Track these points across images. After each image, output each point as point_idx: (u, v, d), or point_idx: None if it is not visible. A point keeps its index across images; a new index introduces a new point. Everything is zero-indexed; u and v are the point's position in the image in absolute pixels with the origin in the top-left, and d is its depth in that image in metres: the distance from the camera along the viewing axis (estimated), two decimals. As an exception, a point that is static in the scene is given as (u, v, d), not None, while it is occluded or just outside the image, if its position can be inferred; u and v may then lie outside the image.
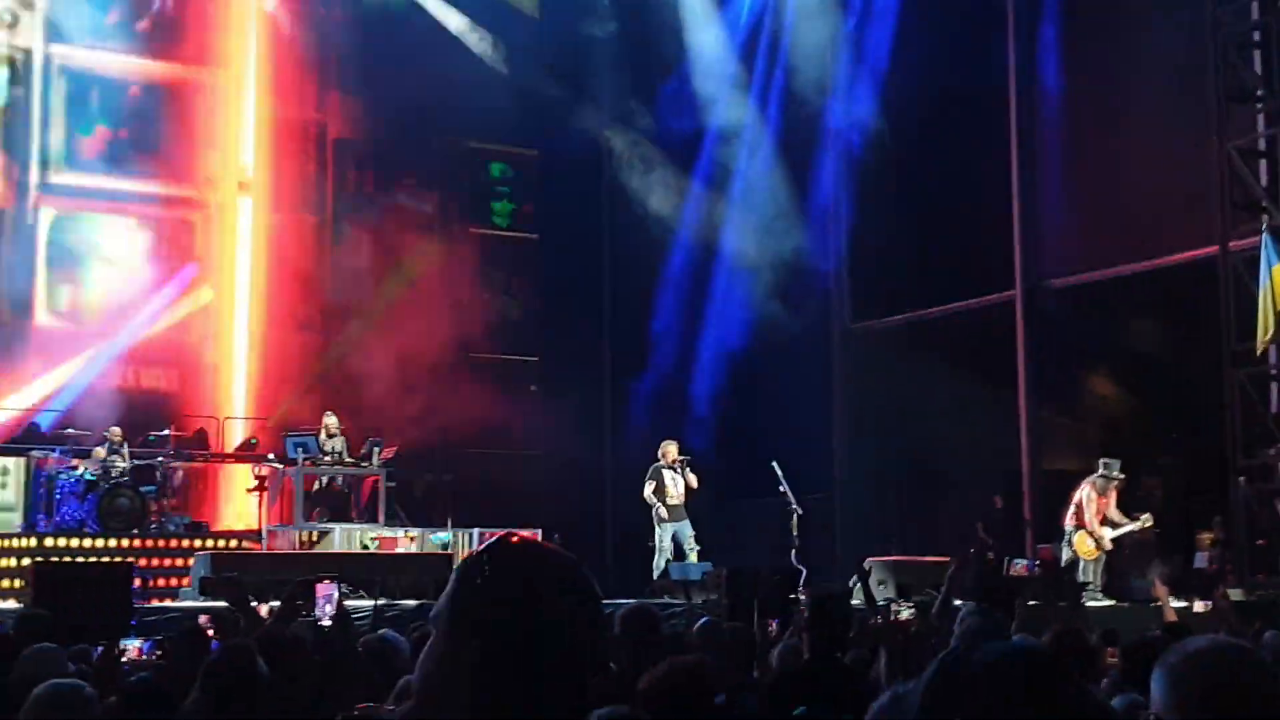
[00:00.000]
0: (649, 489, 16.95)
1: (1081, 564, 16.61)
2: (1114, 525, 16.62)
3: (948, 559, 16.57)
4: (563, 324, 23.09)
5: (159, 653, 8.27)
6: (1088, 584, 16.57)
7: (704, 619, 7.16)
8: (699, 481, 17.08)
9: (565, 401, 21.95)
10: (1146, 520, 16.66)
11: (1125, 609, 15.52)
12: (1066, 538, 16.72)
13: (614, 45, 22.93)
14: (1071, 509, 16.72)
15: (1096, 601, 16.21)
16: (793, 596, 12.88)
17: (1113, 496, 16.68)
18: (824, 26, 22.21)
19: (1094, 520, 16.41)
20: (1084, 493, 16.67)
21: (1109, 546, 16.50)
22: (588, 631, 2.18)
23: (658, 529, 16.88)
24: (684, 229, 22.74)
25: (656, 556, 16.61)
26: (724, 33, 23.29)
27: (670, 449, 17.14)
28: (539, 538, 2.26)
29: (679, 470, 16.98)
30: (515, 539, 2.24)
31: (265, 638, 5.50)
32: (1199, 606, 14.29)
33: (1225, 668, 2.68)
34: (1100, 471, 16.72)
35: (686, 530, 16.90)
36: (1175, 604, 15.05)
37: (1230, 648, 2.79)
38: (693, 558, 16.64)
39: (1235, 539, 16.95)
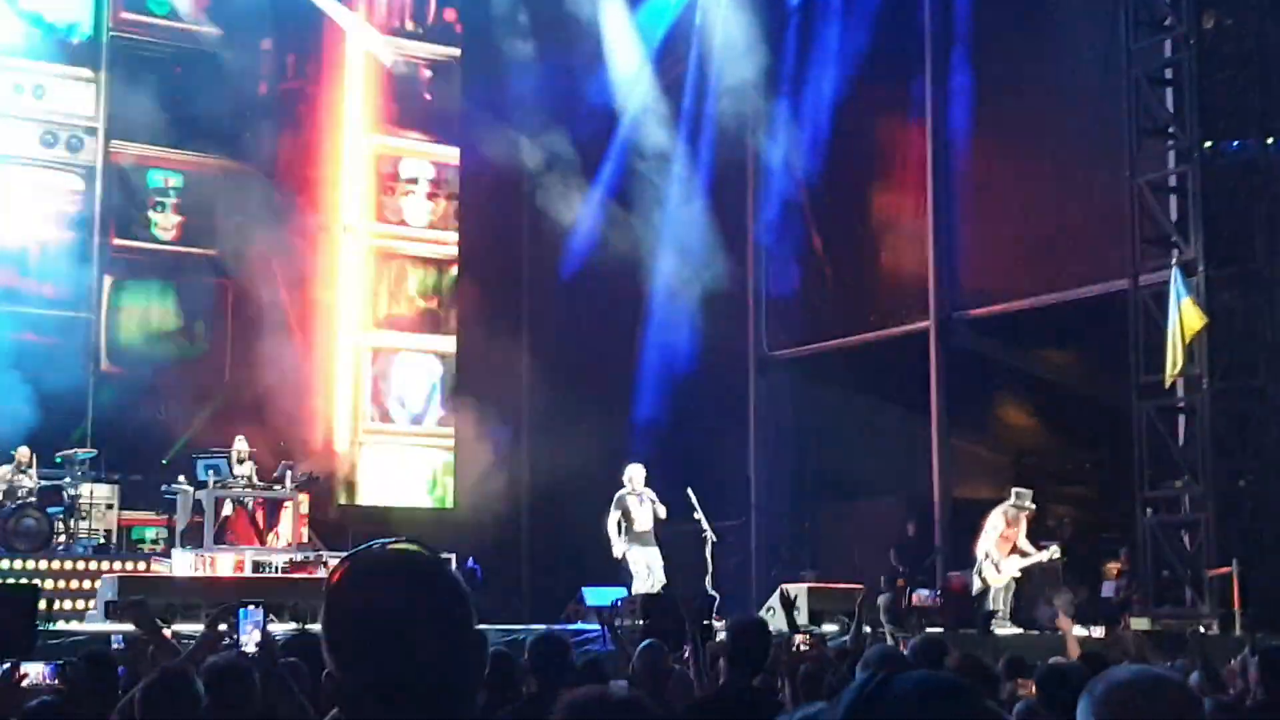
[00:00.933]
0: (613, 519, 16.53)
1: (991, 591, 16.78)
2: (1022, 554, 16.81)
3: (861, 586, 16.72)
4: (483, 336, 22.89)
5: (61, 677, 8.12)
6: (996, 612, 16.73)
7: (648, 641, 7.12)
8: (667, 515, 16.67)
9: (485, 421, 21.88)
10: (1054, 552, 16.88)
11: (1033, 637, 15.70)
12: (977, 566, 16.88)
13: (533, 65, 22.89)
14: (982, 537, 16.89)
15: (1004, 629, 16.38)
16: (707, 623, 12.91)
17: (1023, 526, 16.87)
18: (749, 62, 22.32)
19: (994, 548, 16.56)
20: (993, 522, 16.85)
21: (1005, 578, 16.64)
22: (457, 635, 2.11)
23: (629, 554, 16.50)
24: (603, 252, 22.71)
25: (634, 581, 16.35)
26: (648, 60, 23.33)
27: (637, 475, 16.76)
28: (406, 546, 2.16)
29: (646, 498, 16.65)
30: (372, 548, 2.16)
31: (208, 665, 5.39)
32: (1100, 634, 14.47)
33: (1150, 698, 2.71)
34: (1012, 500, 16.92)
35: (656, 557, 16.57)
36: (1080, 632, 15.25)
37: (1154, 678, 2.82)
38: (655, 584, 16.37)
39: (1141, 570, 17.16)
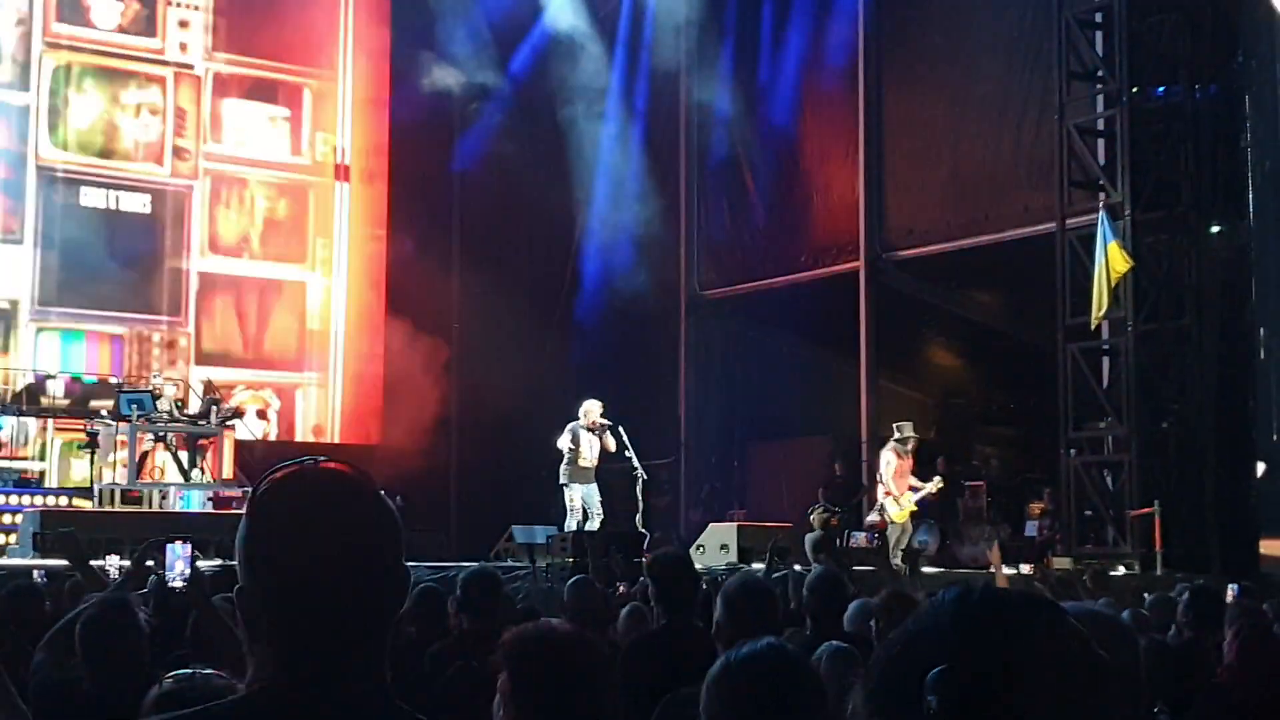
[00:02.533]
0: (564, 441, 16.32)
1: (891, 528, 16.84)
2: (914, 489, 16.89)
3: (789, 525, 16.85)
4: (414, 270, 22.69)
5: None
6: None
7: (577, 577, 7.10)
8: (616, 447, 16.63)
9: (416, 353, 21.74)
10: (938, 482, 16.94)
11: (957, 575, 15.85)
12: (878, 505, 16.97)
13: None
14: (881, 476, 16.95)
15: (928, 568, 16.56)
16: (637, 560, 12.95)
17: (909, 460, 16.91)
18: (686, 4, 22.19)
19: (892, 482, 16.64)
20: (886, 459, 16.92)
21: (905, 513, 16.74)
22: (377, 557, 2.03)
23: (566, 489, 16.44)
24: (536, 189, 22.55)
25: (568, 517, 16.29)
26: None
27: (594, 410, 16.50)
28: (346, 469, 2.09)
29: (598, 433, 16.54)
30: (297, 466, 2.09)
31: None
32: (1027, 572, 14.65)
33: (1094, 632, 2.73)
34: (895, 436, 16.97)
35: (594, 494, 16.46)
36: (1006, 571, 15.42)
37: (1093, 614, 2.84)
38: (595, 523, 16.32)
39: (1064, 510, 17.39)
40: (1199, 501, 16.50)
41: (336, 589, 1.99)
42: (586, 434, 16.31)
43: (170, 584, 6.52)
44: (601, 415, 16.44)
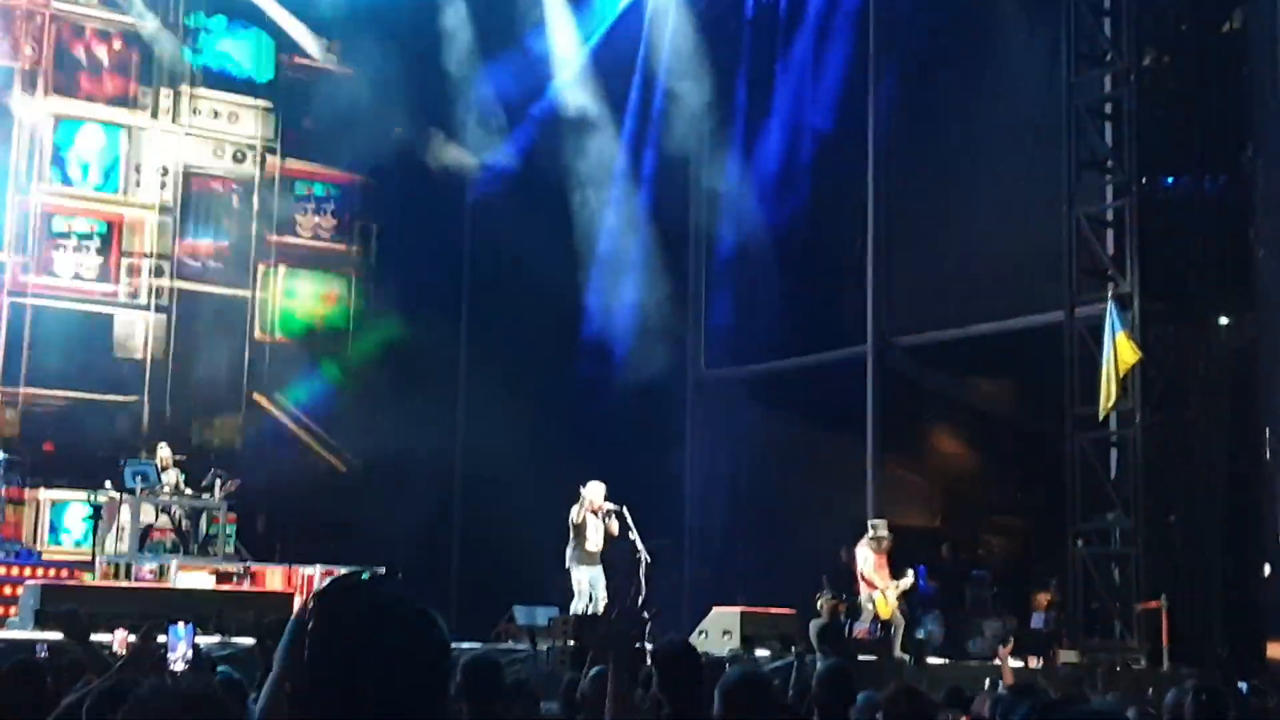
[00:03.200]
0: (574, 514, 16.12)
1: (880, 624, 16.66)
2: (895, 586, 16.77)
3: (792, 611, 16.72)
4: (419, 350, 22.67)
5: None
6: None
7: (598, 669, 6.99)
8: (620, 529, 16.51)
9: (417, 441, 21.70)
10: (910, 577, 16.70)
11: (964, 667, 15.69)
12: (867, 597, 16.79)
13: (474, 79, 22.75)
14: (858, 577, 16.76)
15: (935, 659, 16.40)
16: (639, 646, 12.81)
17: (884, 556, 16.76)
18: (697, 87, 22.35)
19: (874, 576, 16.46)
20: (863, 555, 16.73)
21: (893, 607, 16.59)
22: (428, 680, 2.13)
23: (573, 571, 16.34)
24: (544, 264, 22.59)
25: (575, 600, 16.18)
26: (594, 77, 23.25)
27: (596, 494, 16.35)
28: (378, 576, 2.18)
29: (602, 516, 16.45)
30: (348, 583, 2.16)
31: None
32: (1034, 665, 14.52)
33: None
34: (870, 534, 16.86)
35: (600, 578, 16.38)
36: (1013, 663, 15.27)
37: (1094, 714, 2.82)
38: (598, 605, 16.18)
39: (1070, 601, 17.25)
40: (1206, 597, 16.37)
41: (394, 707, 2.09)
42: (592, 518, 16.22)
43: (172, 666, 6.45)
44: (605, 498, 16.35)
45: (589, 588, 16.10)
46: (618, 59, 23.32)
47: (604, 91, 22.98)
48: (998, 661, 11.71)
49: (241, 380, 22.07)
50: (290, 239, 22.95)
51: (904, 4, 20.86)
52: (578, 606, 15.84)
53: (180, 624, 6.13)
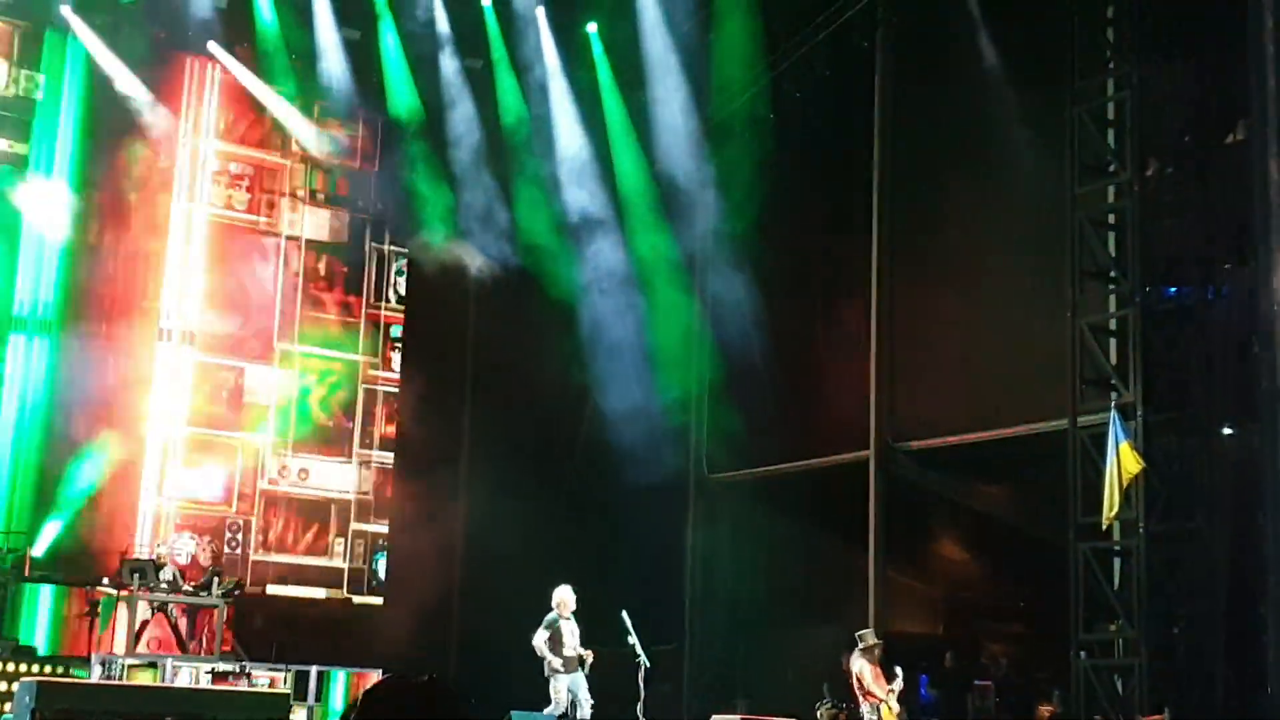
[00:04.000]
0: (542, 638, 16.24)
1: None
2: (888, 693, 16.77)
3: (794, 718, 16.58)
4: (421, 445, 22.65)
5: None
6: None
7: None
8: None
9: (421, 525, 21.67)
10: (900, 680, 16.71)
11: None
12: (874, 708, 16.72)
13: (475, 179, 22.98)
14: (855, 689, 16.73)
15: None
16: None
17: (877, 666, 16.77)
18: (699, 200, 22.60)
19: (874, 687, 16.47)
20: (858, 668, 16.71)
21: (899, 710, 16.56)
22: None
23: (552, 681, 16.25)
24: (544, 364, 22.65)
25: (552, 708, 16.06)
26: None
27: (568, 599, 16.46)
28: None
29: (572, 625, 16.42)
30: (391, 685, 2.18)
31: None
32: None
33: None
34: (860, 646, 16.82)
35: (581, 683, 16.28)
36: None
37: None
38: (585, 710, 16.10)
39: (1073, 713, 17.08)
40: (1210, 710, 16.20)
41: None
42: (566, 623, 16.22)
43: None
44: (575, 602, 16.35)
45: (565, 697, 16.00)
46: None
47: (609, 194, 23.19)
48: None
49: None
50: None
51: (907, 107, 21.03)
52: (552, 714, 15.73)
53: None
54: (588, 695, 16.18)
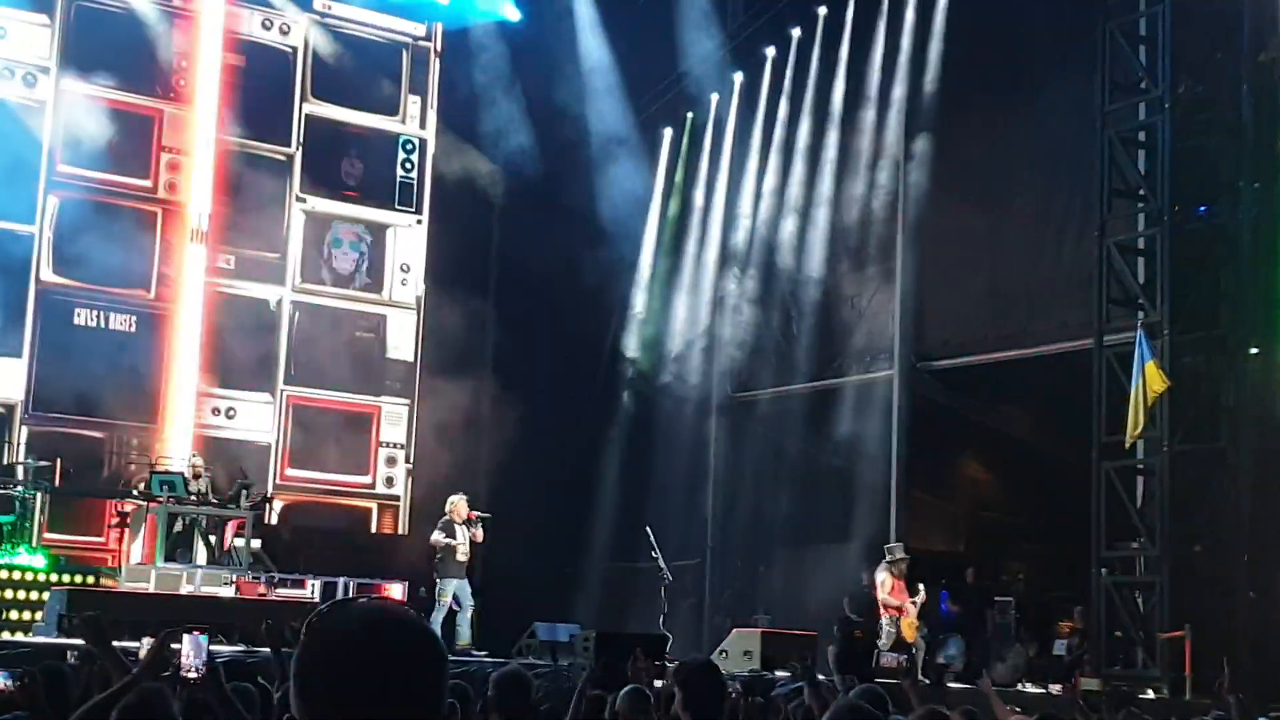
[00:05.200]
0: (439, 536, 16.71)
1: (915, 644, 16.76)
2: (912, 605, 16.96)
3: (814, 633, 16.71)
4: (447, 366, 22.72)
5: (20, 686, 8.00)
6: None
7: (631, 687, 7.00)
8: (483, 536, 16.86)
9: (443, 446, 21.76)
10: (922, 594, 16.91)
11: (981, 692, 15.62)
12: (890, 621, 16.87)
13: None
14: (882, 597, 16.93)
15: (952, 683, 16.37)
16: (659, 663, 12.84)
17: (902, 581, 16.96)
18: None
19: (891, 599, 16.70)
20: (881, 578, 16.91)
21: (914, 631, 16.77)
22: (427, 694, 2.13)
23: (439, 582, 16.63)
24: (572, 283, 22.68)
25: (435, 610, 16.35)
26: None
27: (461, 506, 16.96)
28: (398, 592, 2.23)
29: (470, 525, 16.77)
30: (357, 598, 2.20)
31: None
32: (1055, 690, 14.48)
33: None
34: (887, 558, 17.02)
35: (466, 588, 16.69)
36: (1033, 690, 15.27)
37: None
38: (468, 614, 16.49)
39: (1093, 629, 17.18)
40: (1230, 627, 16.27)
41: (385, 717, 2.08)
42: (460, 528, 16.56)
43: (185, 674, 6.47)
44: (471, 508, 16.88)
45: (450, 599, 16.35)
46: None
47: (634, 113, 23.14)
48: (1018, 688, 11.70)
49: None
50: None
51: (936, 27, 20.86)
52: (438, 617, 16.03)
53: (195, 632, 6.14)
54: (471, 599, 16.57)
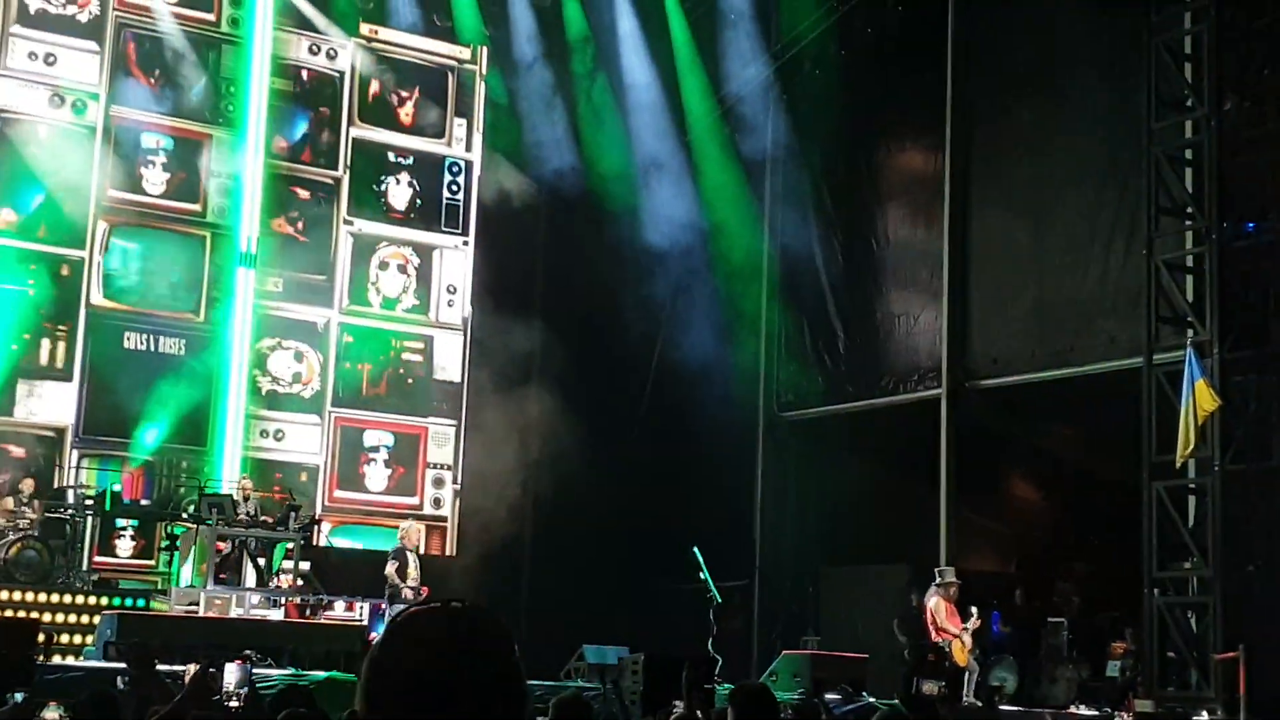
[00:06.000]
0: (391, 568, 16.89)
1: (968, 669, 16.69)
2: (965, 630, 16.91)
3: (865, 655, 16.63)
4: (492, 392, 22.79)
5: (71, 715, 8.07)
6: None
7: (679, 713, 7.02)
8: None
9: (492, 467, 21.81)
10: (975, 619, 16.87)
11: (1036, 715, 15.55)
12: (946, 644, 16.78)
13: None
14: (929, 625, 16.86)
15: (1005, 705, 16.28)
16: (708, 687, 12.80)
17: (953, 604, 16.91)
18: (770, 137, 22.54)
19: (948, 624, 16.66)
20: (933, 603, 16.83)
21: (969, 655, 16.71)
22: (504, 708, 2.07)
23: (388, 611, 16.73)
24: (620, 305, 22.73)
25: None
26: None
27: (413, 533, 17.31)
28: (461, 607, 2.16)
29: (417, 558, 17.16)
30: (428, 608, 2.14)
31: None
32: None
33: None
34: (938, 581, 16.96)
35: None
36: (1086, 713, 15.14)
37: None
38: None
39: (1146, 651, 17.02)
40: (1284, 647, 16.08)
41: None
42: (411, 556, 16.76)
43: (229, 704, 6.52)
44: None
45: None
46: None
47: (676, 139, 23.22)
48: (1072, 710, 11.61)
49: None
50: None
51: (983, 43, 20.80)
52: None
53: (238, 661, 6.20)
54: None
